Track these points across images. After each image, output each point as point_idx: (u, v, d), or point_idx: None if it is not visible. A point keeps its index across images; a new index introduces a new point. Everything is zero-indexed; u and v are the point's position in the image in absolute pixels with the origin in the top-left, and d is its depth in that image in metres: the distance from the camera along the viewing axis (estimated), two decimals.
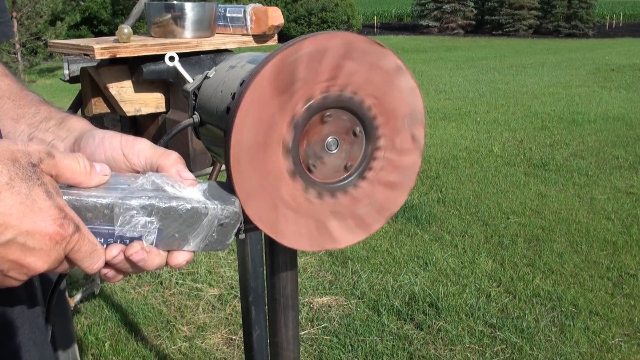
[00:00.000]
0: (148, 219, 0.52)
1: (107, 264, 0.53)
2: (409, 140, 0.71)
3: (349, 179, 0.69)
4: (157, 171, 0.57)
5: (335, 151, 0.67)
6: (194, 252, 0.57)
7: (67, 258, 0.49)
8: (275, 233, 0.66)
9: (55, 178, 0.49)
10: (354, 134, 0.68)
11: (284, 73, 0.61)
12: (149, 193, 0.53)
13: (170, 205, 0.53)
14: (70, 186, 0.50)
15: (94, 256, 0.50)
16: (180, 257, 0.56)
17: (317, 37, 0.62)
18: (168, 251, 0.56)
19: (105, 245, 0.52)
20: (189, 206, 0.54)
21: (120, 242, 0.53)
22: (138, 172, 0.58)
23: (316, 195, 0.67)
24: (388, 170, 0.71)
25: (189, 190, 0.55)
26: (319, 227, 0.68)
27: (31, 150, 0.46)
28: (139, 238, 0.53)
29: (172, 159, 0.58)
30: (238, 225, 0.58)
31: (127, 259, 0.53)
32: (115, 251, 0.52)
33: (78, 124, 0.63)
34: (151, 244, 0.54)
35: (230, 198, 0.58)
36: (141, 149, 0.58)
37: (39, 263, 0.47)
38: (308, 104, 0.63)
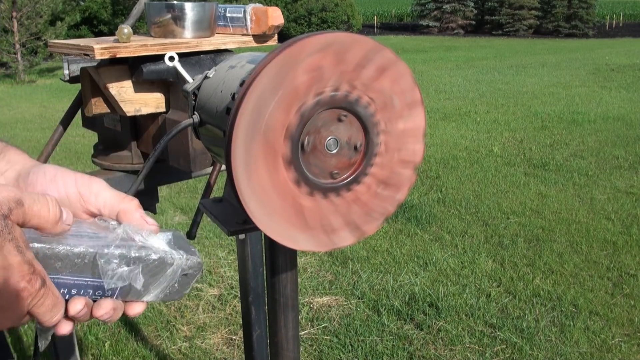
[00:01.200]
0: (128, 268, 0.50)
1: (67, 317, 0.50)
2: (405, 106, 0.71)
3: (349, 179, 0.69)
4: (117, 215, 0.55)
5: (333, 152, 0.67)
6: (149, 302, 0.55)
7: (28, 312, 0.47)
8: (275, 233, 0.66)
9: (22, 224, 0.46)
10: (355, 147, 0.68)
11: (284, 73, 0.61)
12: (121, 242, 0.51)
13: (139, 255, 0.51)
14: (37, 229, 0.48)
15: (54, 310, 0.48)
16: (138, 308, 0.54)
17: (317, 36, 0.62)
18: (125, 301, 0.53)
19: (67, 297, 0.49)
20: (156, 256, 0.52)
21: (92, 294, 0.50)
22: (93, 213, 0.56)
23: (318, 195, 0.67)
24: (389, 165, 0.71)
25: (154, 238, 0.53)
26: (320, 226, 0.68)
27: (0, 199, 0.44)
28: (116, 289, 0.51)
29: (135, 204, 0.56)
30: (198, 275, 0.56)
31: (93, 316, 0.51)
32: (79, 306, 0.50)
33: (19, 157, 0.60)
34: (115, 296, 0.51)
35: (191, 248, 0.56)
36: (99, 189, 0.56)
37: (4, 321, 0.46)
38: (308, 104, 0.63)
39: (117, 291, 0.51)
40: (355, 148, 0.68)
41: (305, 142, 0.64)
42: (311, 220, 0.68)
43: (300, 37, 0.62)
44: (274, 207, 0.65)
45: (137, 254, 0.51)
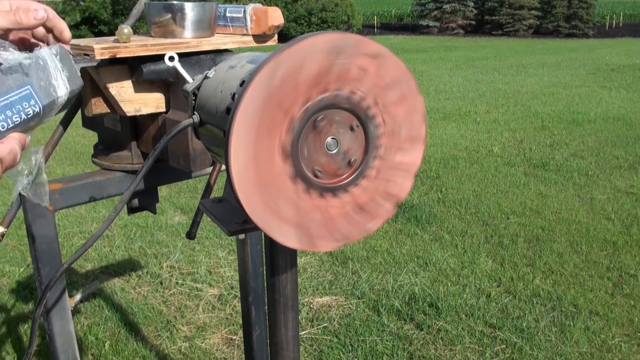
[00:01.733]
0: None
1: None
2: (408, 139, 0.71)
3: (350, 179, 0.69)
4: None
5: (335, 151, 0.67)
6: None
7: None
8: (275, 233, 0.66)
9: None
10: (351, 128, 0.68)
11: (283, 73, 0.61)
12: None
13: None
14: None
15: None
16: None
17: (316, 36, 0.62)
18: None
19: None
20: None
21: None
22: None
23: (317, 195, 0.67)
24: (395, 142, 0.71)
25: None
26: (320, 226, 0.68)
27: None
28: None
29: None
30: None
31: None
32: None
33: None
34: None
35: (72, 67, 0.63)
36: None
37: None
38: (308, 104, 0.63)
39: None
40: (349, 163, 0.68)
41: (319, 119, 0.64)
42: (316, 219, 0.68)
43: (300, 38, 0.62)
44: (273, 206, 0.65)
45: None
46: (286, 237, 0.67)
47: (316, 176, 0.67)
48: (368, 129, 0.67)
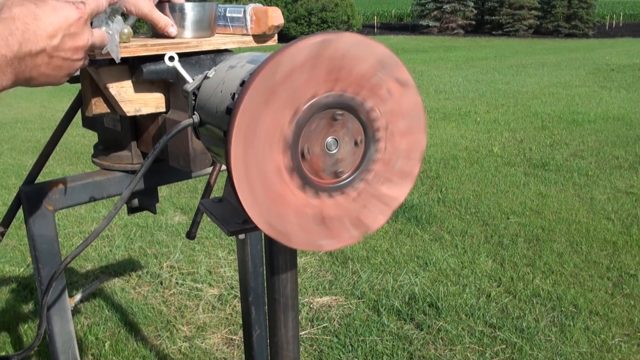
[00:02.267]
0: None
1: None
2: (400, 173, 0.71)
3: (348, 180, 0.69)
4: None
5: (335, 151, 0.67)
6: None
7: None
8: (275, 233, 0.66)
9: None
10: (356, 142, 0.68)
11: (284, 74, 0.61)
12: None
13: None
14: None
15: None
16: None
17: (316, 36, 0.62)
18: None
19: None
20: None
21: None
22: None
23: (315, 195, 0.67)
24: (387, 171, 0.71)
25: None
26: (320, 227, 0.68)
27: None
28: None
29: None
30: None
31: None
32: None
33: None
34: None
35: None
36: None
37: (85, 37, 0.63)
38: (307, 104, 0.63)
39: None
40: (356, 143, 0.69)
41: (305, 151, 0.64)
42: (316, 219, 0.68)
43: (300, 38, 0.62)
44: (274, 207, 0.65)
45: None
46: (285, 237, 0.67)
47: (314, 175, 0.67)
48: (368, 149, 0.68)
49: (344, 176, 0.69)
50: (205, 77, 0.79)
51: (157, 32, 1.10)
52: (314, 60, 0.62)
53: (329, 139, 0.66)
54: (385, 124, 0.68)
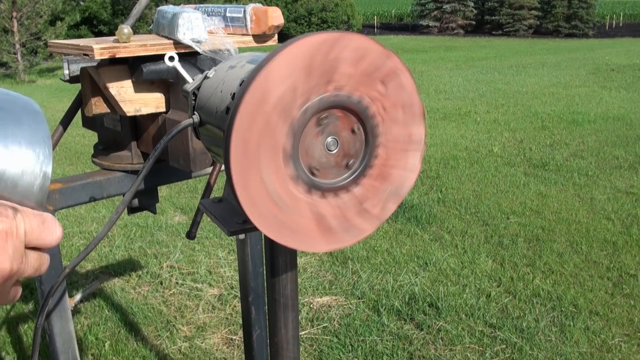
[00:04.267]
0: None
1: None
2: (409, 138, 0.71)
3: (350, 179, 0.69)
4: None
5: (335, 151, 0.67)
6: None
7: (28, 246, 0.44)
8: (275, 233, 0.66)
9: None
10: (353, 131, 0.68)
11: (284, 72, 0.61)
12: None
13: None
14: None
15: (48, 225, 0.45)
16: None
17: (316, 36, 0.62)
18: None
19: None
20: None
21: None
22: None
23: (318, 195, 0.67)
24: (394, 139, 0.71)
25: None
26: (320, 227, 0.68)
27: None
28: None
29: None
30: None
31: None
32: None
33: None
34: None
35: None
36: None
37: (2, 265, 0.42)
38: (308, 104, 0.63)
39: None
40: (353, 131, 0.69)
41: (314, 167, 0.65)
42: (316, 220, 0.67)
43: (299, 38, 0.62)
44: (273, 206, 0.65)
45: None
46: (285, 238, 0.67)
47: (313, 174, 0.67)
48: (368, 145, 0.69)
49: (358, 162, 0.69)
50: (205, 77, 0.79)
51: None
52: (311, 61, 0.62)
53: (329, 139, 0.66)
54: (381, 112, 0.68)
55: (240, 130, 0.60)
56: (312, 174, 0.66)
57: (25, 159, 0.44)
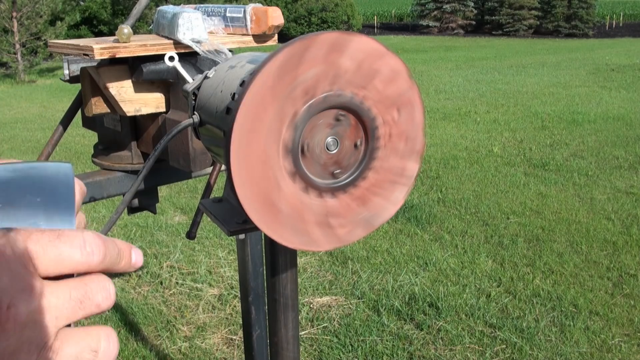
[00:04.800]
0: None
1: None
2: (401, 171, 0.71)
3: (349, 179, 0.69)
4: None
5: (335, 151, 0.67)
6: None
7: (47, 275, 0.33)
8: (275, 233, 0.66)
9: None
10: (355, 145, 0.68)
11: (284, 73, 0.61)
12: None
13: None
14: None
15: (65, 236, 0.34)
16: None
17: (316, 36, 0.62)
18: None
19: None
20: None
21: None
22: None
23: (316, 195, 0.67)
24: (388, 168, 0.71)
25: None
26: (319, 227, 0.68)
27: None
28: None
29: None
30: None
31: None
32: None
33: None
34: None
35: None
36: None
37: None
38: (308, 104, 0.63)
39: None
40: (356, 145, 0.68)
41: (306, 145, 0.64)
42: (316, 220, 0.67)
43: (299, 38, 0.62)
44: (273, 206, 0.65)
45: None
46: (286, 237, 0.67)
47: (303, 154, 0.67)
48: (369, 146, 0.68)
49: (345, 175, 0.69)
50: (205, 77, 0.79)
51: None
52: (313, 61, 0.62)
53: (329, 139, 0.66)
54: (386, 137, 0.68)
55: (240, 131, 0.60)
56: (310, 170, 0.66)
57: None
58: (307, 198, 0.67)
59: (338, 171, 0.67)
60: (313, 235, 0.68)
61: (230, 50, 1.21)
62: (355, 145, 0.68)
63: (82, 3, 17.33)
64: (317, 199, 0.67)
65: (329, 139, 0.66)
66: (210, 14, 1.20)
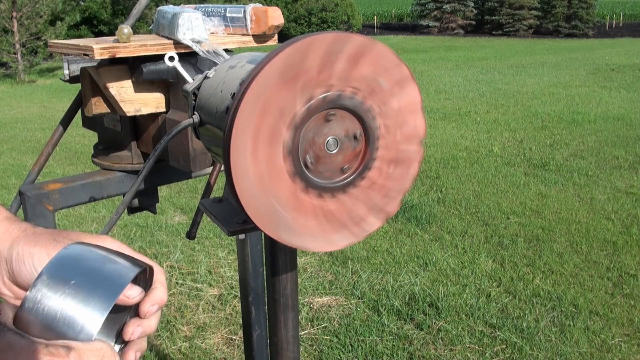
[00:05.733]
0: None
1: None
2: (407, 122, 0.71)
3: (349, 179, 0.69)
4: None
5: (335, 151, 0.67)
6: None
7: None
8: (275, 233, 0.66)
9: None
10: (355, 136, 0.68)
11: (284, 73, 0.61)
12: None
13: None
14: None
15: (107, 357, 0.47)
16: None
17: (316, 36, 0.62)
18: None
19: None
20: None
21: None
22: None
23: (316, 195, 0.67)
24: (387, 171, 0.71)
25: None
26: (319, 227, 0.68)
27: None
28: None
29: None
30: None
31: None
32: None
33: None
34: None
35: None
36: None
37: None
38: (308, 104, 0.63)
39: None
40: (355, 137, 0.68)
41: (309, 163, 0.65)
42: (315, 220, 0.68)
43: (299, 38, 0.62)
44: (273, 206, 0.65)
45: None
46: (285, 237, 0.67)
47: (344, 172, 0.68)
48: (345, 106, 0.67)
49: (347, 174, 0.69)
50: (205, 77, 0.79)
51: None
52: (312, 62, 0.62)
53: (329, 139, 0.66)
54: (369, 96, 0.67)
55: (240, 130, 0.60)
56: (309, 170, 0.66)
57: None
58: (307, 198, 0.67)
59: (345, 166, 0.68)
60: (312, 236, 0.68)
61: (230, 51, 1.21)
62: (355, 137, 0.68)
63: (82, 3, 17.33)
64: (317, 199, 0.67)
65: (329, 139, 0.66)
66: (210, 14, 1.20)
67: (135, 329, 0.52)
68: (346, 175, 0.68)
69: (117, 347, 0.55)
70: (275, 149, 0.63)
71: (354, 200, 0.70)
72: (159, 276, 0.57)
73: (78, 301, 0.47)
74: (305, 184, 0.66)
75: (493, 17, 24.97)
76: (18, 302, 0.47)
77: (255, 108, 0.61)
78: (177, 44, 1.11)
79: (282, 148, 0.63)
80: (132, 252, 0.56)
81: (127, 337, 0.52)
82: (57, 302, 0.46)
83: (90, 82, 1.15)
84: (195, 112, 0.78)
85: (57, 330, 0.46)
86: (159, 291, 0.56)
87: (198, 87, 0.79)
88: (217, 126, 0.73)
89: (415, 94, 0.70)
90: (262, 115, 0.61)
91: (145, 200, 1.40)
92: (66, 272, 0.48)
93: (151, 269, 0.55)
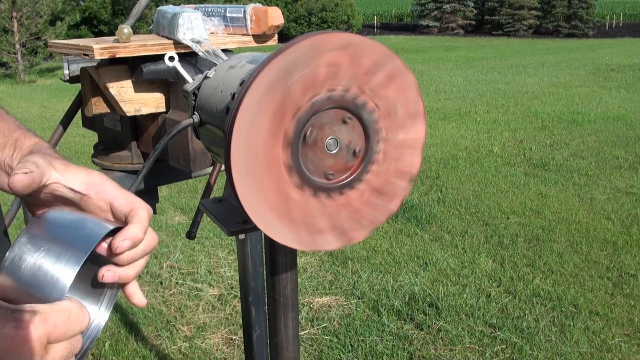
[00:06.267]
0: None
1: None
2: (407, 116, 0.71)
3: (326, 186, 0.68)
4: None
5: (330, 153, 0.67)
6: None
7: (57, 341, 0.46)
8: (274, 232, 0.66)
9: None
10: (354, 152, 0.68)
11: (284, 73, 0.61)
12: None
13: None
14: None
15: (75, 318, 0.48)
16: None
17: (316, 36, 0.62)
18: None
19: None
20: None
21: None
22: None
23: (314, 195, 0.67)
24: (385, 174, 0.71)
25: None
26: (319, 227, 0.68)
27: None
28: None
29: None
30: None
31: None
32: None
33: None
34: None
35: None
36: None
37: None
38: (309, 103, 0.63)
39: None
40: (354, 153, 0.68)
41: (308, 134, 0.64)
42: (295, 215, 0.67)
43: (314, 34, 0.62)
44: (274, 206, 0.65)
45: None
46: (286, 238, 0.67)
47: (328, 179, 0.67)
48: (362, 117, 0.67)
49: (362, 150, 0.69)
50: (205, 77, 0.79)
51: None
52: (315, 61, 0.62)
53: (329, 139, 0.66)
54: (359, 88, 0.67)
55: (240, 130, 0.60)
56: (309, 171, 0.66)
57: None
58: (307, 198, 0.67)
59: (330, 173, 0.68)
60: (312, 236, 0.68)
61: (230, 51, 1.21)
62: (354, 152, 0.68)
63: (82, 3, 17.33)
64: (317, 200, 0.67)
65: (329, 140, 0.66)
66: (210, 14, 1.20)
67: (106, 273, 0.54)
68: (326, 181, 0.67)
69: (106, 314, 0.60)
70: (276, 148, 0.63)
71: (321, 208, 0.68)
72: (140, 212, 0.58)
73: (52, 259, 0.50)
74: (304, 183, 0.66)
75: (493, 17, 24.97)
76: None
77: (256, 108, 0.61)
78: (177, 44, 1.11)
79: (282, 147, 0.63)
80: (116, 186, 0.61)
81: (99, 280, 0.56)
82: (33, 261, 0.50)
83: (90, 82, 1.15)
84: (195, 112, 0.78)
85: (33, 288, 0.49)
86: (134, 227, 0.56)
87: (198, 87, 0.79)
88: (217, 126, 0.73)
89: (421, 132, 0.71)
90: (262, 116, 0.61)
91: (145, 200, 1.40)
92: (43, 235, 0.53)
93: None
